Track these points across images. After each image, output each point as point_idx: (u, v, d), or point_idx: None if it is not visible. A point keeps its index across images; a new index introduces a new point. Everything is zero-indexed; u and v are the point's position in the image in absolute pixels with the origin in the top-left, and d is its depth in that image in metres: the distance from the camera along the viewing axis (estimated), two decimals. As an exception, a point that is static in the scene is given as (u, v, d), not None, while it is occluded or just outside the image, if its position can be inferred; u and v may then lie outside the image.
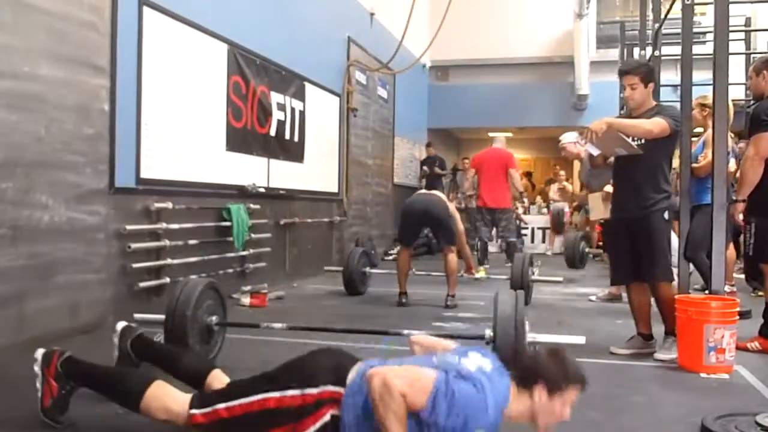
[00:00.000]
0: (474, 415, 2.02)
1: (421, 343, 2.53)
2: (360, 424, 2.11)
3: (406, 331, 3.38)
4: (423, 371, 2.10)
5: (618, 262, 4.01)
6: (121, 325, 2.92)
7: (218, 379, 2.53)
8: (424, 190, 6.05)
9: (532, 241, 12.58)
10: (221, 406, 2.23)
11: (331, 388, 2.17)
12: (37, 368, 2.53)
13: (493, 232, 8.88)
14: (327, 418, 2.15)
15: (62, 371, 2.52)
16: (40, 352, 2.56)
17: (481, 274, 7.73)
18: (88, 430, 2.56)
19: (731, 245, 4.81)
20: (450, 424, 2.01)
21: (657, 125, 3.69)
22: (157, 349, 2.91)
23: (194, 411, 2.26)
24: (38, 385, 2.52)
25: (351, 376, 2.19)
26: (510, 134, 16.35)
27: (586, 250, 7.93)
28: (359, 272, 6.36)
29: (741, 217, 4.11)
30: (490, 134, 8.83)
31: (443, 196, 6.19)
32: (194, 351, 3.19)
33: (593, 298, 6.26)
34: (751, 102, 9.76)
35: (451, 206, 6.12)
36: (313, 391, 2.17)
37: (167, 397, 2.37)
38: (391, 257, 10.05)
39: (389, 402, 1.98)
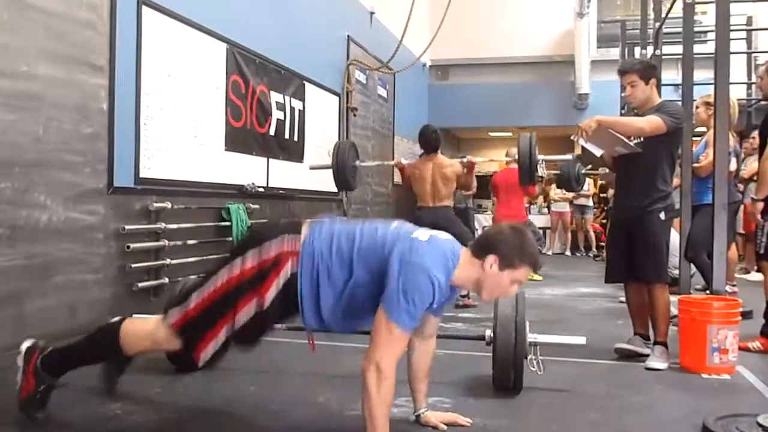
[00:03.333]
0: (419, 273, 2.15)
1: None
2: (313, 288, 2.27)
3: (405, 332, 3.36)
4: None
5: (612, 261, 3.99)
6: (25, 345, 2.62)
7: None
8: (430, 204, 5.91)
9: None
10: (192, 300, 2.31)
11: (287, 236, 2.29)
12: (19, 361, 2.54)
13: None
14: (288, 272, 2.25)
15: (40, 366, 2.52)
16: (24, 345, 2.56)
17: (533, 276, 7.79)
18: (88, 430, 2.55)
19: (732, 245, 4.79)
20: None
21: (650, 123, 3.59)
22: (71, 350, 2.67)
23: (170, 317, 2.34)
24: (18, 378, 2.53)
25: (304, 231, 2.32)
26: (510, 134, 16.40)
27: (582, 171, 7.70)
28: (350, 166, 6.02)
29: (760, 216, 4.06)
30: (505, 159, 8.72)
31: (448, 203, 6.07)
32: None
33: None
34: (753, 101, 9.76)
35: (455, 165, 5.97)
36: (272, 244, 2.27)
37: (140, 324, 2.47)
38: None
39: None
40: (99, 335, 2.53)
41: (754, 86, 9.16)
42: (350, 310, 2.32)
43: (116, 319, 2.51)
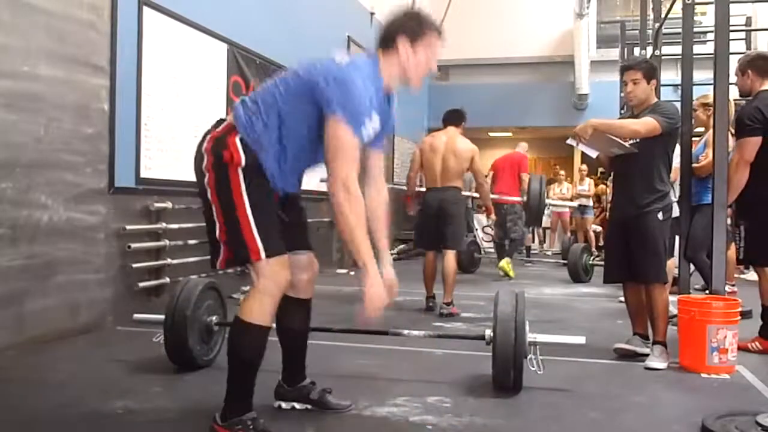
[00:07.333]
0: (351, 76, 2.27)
1: None
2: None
3: (406, 332, 3.38)
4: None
5: (611, 261, 4.00)
6: None
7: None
8: (438, 184, 5.63)
9: (533, 241, 12.56)
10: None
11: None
12: None
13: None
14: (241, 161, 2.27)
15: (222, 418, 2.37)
16: None
17: (506, 268, 7.87)
18: (88, 430, 2.56)
19: (732, 245, 4.79)
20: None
21: (645, 125, 3.61)
22: None
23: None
24: None
25: (229, 119, 2.37)
26: (510, 134, 16.43)
27: (590, 261, 7.97)
28: None
29: (729, 221, 4.07)
30: (519, 146, 9.28)
31: (458, 183, 5.64)
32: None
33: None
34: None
35: (471, 149, 5.63)
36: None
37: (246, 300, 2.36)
38: (391, 257, 10.04)
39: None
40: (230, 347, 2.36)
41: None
42: (299, 148, 2.39)
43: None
